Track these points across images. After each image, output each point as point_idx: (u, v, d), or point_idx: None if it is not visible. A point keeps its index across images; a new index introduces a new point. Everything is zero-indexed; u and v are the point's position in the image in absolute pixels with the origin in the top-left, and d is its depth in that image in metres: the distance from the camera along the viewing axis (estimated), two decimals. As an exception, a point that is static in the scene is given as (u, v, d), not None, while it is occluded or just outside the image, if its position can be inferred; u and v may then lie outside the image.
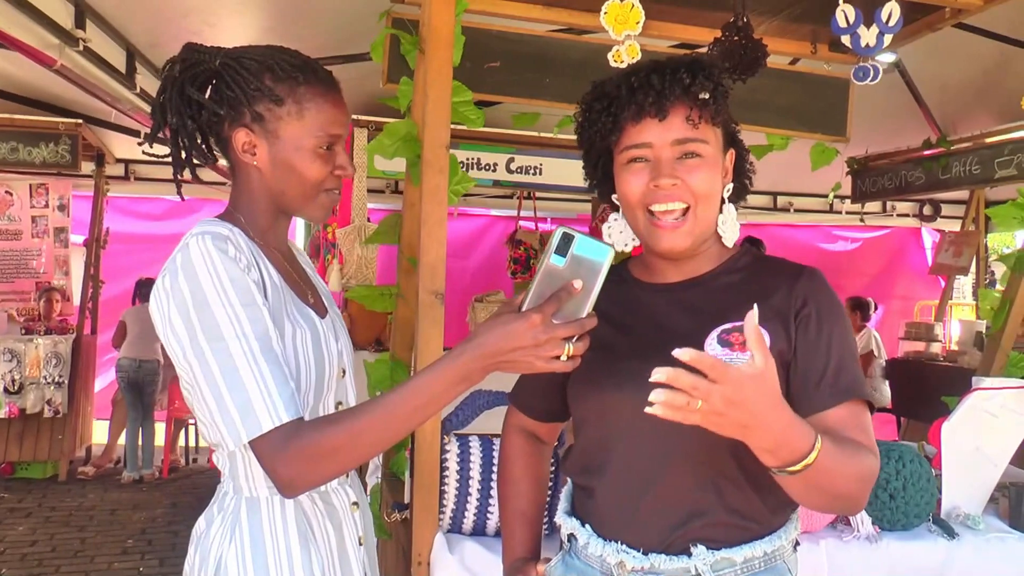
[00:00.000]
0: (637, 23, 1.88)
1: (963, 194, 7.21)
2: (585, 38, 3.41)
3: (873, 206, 7.87)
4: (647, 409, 0.98)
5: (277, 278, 1.35)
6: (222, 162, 1.43)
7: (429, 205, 1.88)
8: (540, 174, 5.80)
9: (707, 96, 1.25)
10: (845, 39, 2.07)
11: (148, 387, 6.43)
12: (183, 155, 1.38)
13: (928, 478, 2.13)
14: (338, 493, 1.42)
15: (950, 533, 2.13)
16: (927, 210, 8.19)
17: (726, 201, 1.33)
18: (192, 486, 6.23)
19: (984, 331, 6.39)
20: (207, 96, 1.34)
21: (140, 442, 6.38)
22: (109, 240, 7.04)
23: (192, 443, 6.91)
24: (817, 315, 1.26)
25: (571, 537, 1.36)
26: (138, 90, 4.05)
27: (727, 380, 0.97)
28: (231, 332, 1.20)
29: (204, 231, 1.26)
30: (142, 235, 7.75)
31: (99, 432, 6.97)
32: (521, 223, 7.47)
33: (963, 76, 5.18)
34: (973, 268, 7.07)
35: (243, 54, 1.34)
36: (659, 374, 0.96)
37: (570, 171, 5.70)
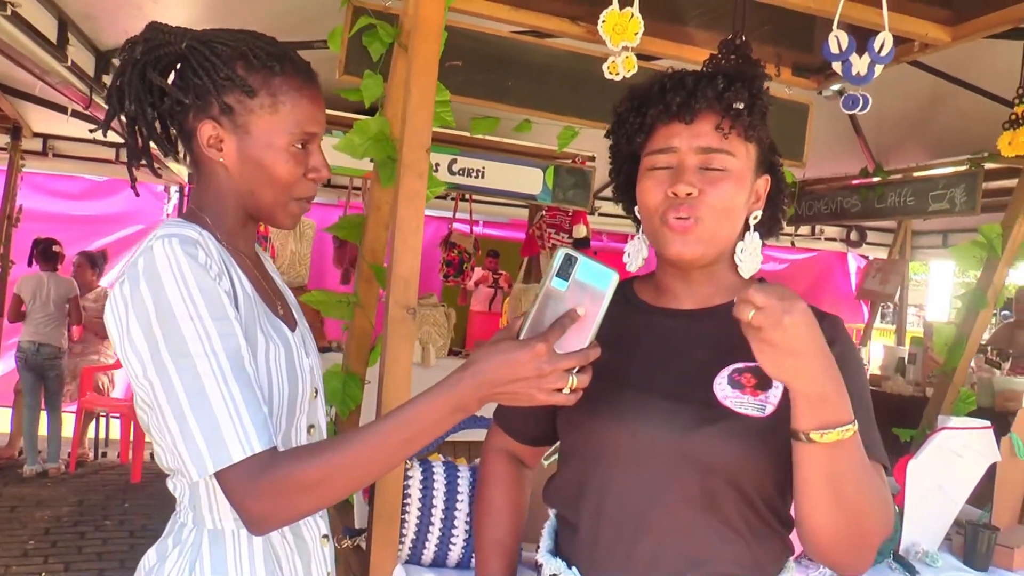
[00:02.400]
0: (636, 34, 1.79)
1: (890, 222, 7.41)
2: (550, 43, 3.32)
3: (803, 229, 8.03)
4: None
5: (249, 287, 1.21)
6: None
7: (406, 211, 1.74)
8: (483, 177, 5.68)
9: (741, 106, 1.17)
10: (836, 66, 2.02)
11: (49, 372, 6.06)
12: (139, 144, 1.24)
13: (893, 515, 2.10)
14: (309, 526, 1.29)
15: (911, 571, 2.11)
16: (854, 235, 8.40)
17: (751, 228, 1.26)
18: (101, 483, 5.88)
19: (906, 358, 6.62)
20: (171, 82, 1.20)
21: (45, 433, 6.00)
22: (22, 218, 6.62)
23: (103, 436, 6.54)
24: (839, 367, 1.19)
25: (553, 578, 1.27)
26: (69, 63, 3.78)
27: (789, 297, 1.00)
28: (199, 349, 1.06)
29: (171, 233, 1.12)
30: (58, 215, 7.38)
31: (2, 421, 6.56)
32: (455, 225, 7.35)
33: (899, 109, 5.29)
34: (898, 295, 7.28)
35: (213, 38, 1.20)
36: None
37: (513, 176, 5.61)
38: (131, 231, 7.53)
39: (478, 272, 8.53)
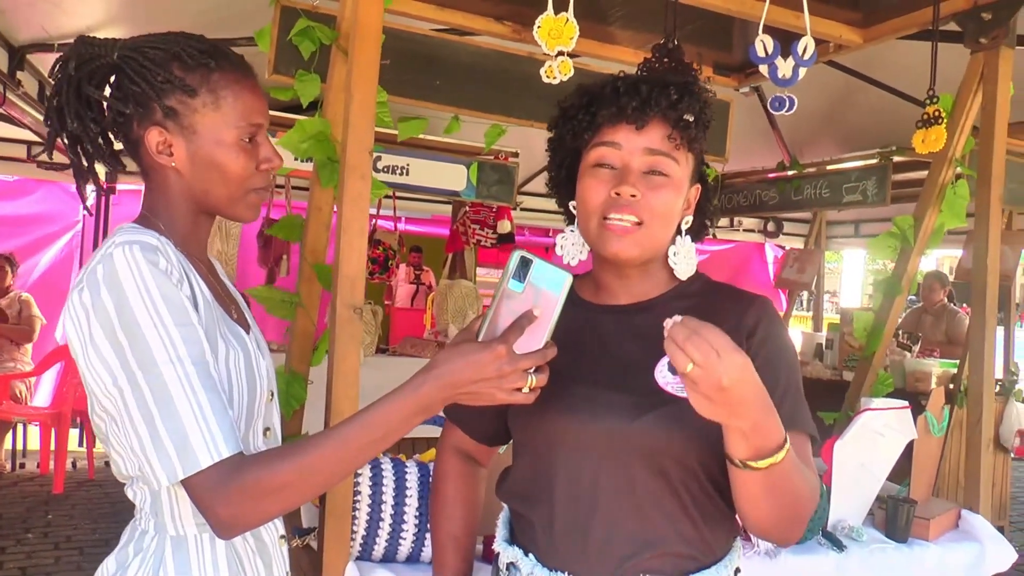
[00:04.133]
0: (571, 39, 1.83)
1: (806, 213, 7.69)
2: (476, 41, 3.36)
3: (722, 220, 8.26)
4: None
5: (207, 293, 1.22)
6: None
7: (350, 212, 1.76)
8: (407, 174, 5.66)
9: (690, 119, 1.22)
10: (763, 69, 2.12)
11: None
12: (85, 163, 1.23)
13: (821, 494, 2.22)
14: (268, 528, 1.31)
15: (839, 546, 2.23)
16: (771, 226, 8.68)
17: (683, 233, 1.32)
18: (21, 495, 5.67)
19: (824, 343, 6.89)
20: (109, 94, 1.19)
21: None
22: (-74, 222, 6.34)
23: (20, 446, 6.31)
24: (766, 343, 1.26)
25: (511, 566, 1.32)
26: (-19, 59, 3.65)
27: (726, 350, 0.97)
28: (164, 356, 1.07)
29: (130, 240, 1.11)
30: (-35, 217, 7.05)
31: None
32: (379, 222, 7.29)
33: (813, 105, 5.50)
34: (814, 284, 7.56)
35: (143, 44, 1.19)
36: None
37: (437, 173, 5.61)
38: (46, 232, 7.25)
39: (403, 269, 8.51)
